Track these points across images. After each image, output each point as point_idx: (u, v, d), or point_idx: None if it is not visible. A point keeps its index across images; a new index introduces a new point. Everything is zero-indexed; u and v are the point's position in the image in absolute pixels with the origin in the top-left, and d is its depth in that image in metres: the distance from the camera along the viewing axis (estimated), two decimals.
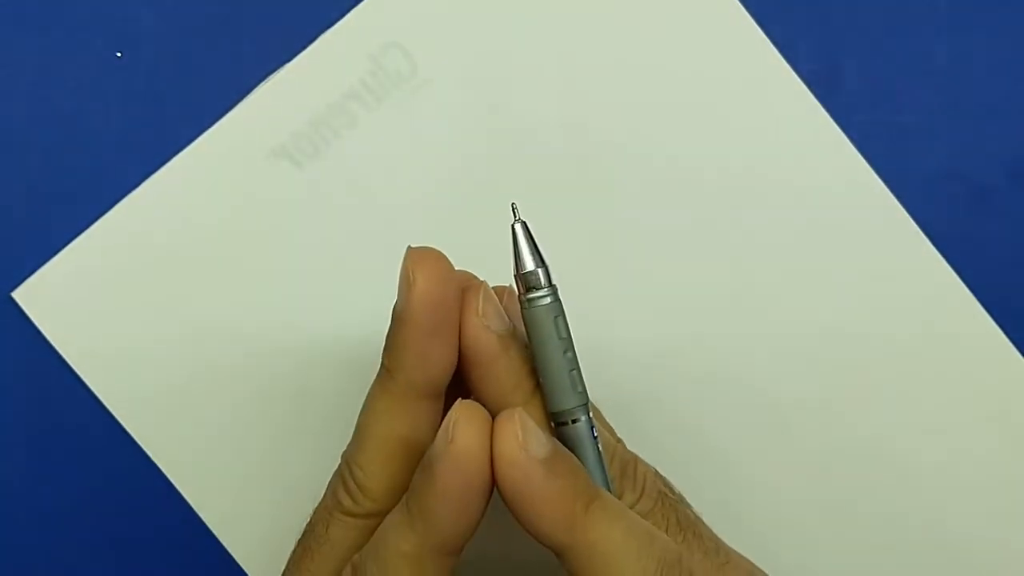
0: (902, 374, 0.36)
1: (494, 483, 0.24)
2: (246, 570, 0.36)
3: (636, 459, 0.28)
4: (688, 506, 0.29)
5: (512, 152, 0.36)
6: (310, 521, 0.28)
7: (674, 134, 0.36)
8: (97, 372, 0.35)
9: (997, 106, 0.36)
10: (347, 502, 0.27)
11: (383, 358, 0.27)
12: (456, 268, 0.26)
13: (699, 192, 0.36)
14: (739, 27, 0.35)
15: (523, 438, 0.24)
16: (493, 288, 0.27)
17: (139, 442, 0.35)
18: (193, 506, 0.36)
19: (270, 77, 0.35)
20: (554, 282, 0.26)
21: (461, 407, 0.24)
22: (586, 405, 0.26)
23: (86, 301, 0.35)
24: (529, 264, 0.26)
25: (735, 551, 0.28)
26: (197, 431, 0.35)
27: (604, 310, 0.36)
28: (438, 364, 0.26)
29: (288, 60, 0.35)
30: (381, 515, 0.26)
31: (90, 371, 0.35)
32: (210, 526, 0.36)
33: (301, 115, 0.35)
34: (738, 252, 0.36)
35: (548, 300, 0.26)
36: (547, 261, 0.26)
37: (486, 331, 0.26)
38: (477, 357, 0.26)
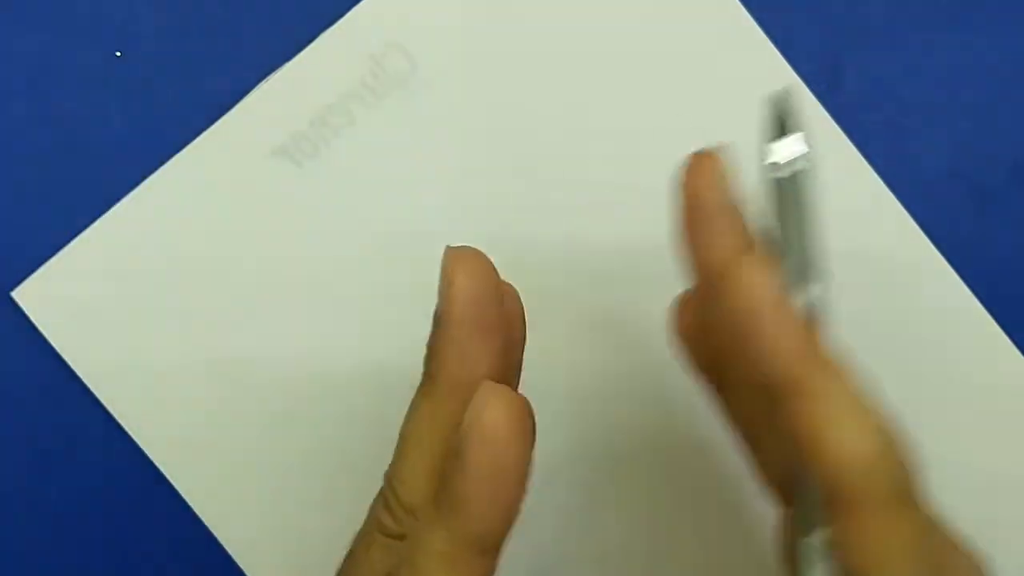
0: (902, 374, 0.36)
1: (529, 471, 0.22)
2: (246, 570, 0.36)
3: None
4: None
5: (512, 152, 0.36)
6: (350, 548, 0.26)
7: (674, 134, 0.36)
8: (97, 372, 0.35)
9: (997, 106, 0.36)
10: (389, 522, 0.25)
11: (425, 363, 0.25)
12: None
13: None
14: (739, 27, 0.35)
15: (768, 275, 0.22)
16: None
17: (139, 442, 0.35)
18: (193, 506, 0.36)
19: (270, 77, 0.35)
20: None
21: (487, 386, 0.23)
22: (824, 282, 0.25)
23: (86, 301, 0.35)
24: (794, 126, 0.25)
25: None
26: (197, 431, 0.35)
27: (601, 310, 0.36)
28: (481, 363, 0.24)
29: (288, 60, 0.35)
30: None
31: (89, 371, 0.35)
32: (210, 526, 0.36)
33: (301, 115, 0.35)
34: None
35: (807, 167, 0.25)
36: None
37: (722, 191, 0.25)
38: (706, 215, 0.24)
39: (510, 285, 0.27)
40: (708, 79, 0.36)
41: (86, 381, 0.35)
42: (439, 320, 0.25)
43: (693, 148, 0.35)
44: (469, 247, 0.25)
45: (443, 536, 0.22)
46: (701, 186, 0.25)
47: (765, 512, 0.36)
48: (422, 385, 0.26)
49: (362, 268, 0.36)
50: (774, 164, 0.25)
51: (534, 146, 0.36)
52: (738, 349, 0.23)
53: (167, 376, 0.35)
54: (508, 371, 0.26)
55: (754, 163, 0.35)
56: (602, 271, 0.36)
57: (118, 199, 0.35)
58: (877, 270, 0.36)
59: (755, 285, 0.22)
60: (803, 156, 0.25)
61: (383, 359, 0.36)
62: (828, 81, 0.36)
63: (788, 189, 0.25)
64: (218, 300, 0.35)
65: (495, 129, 0.36)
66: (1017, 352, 0.36)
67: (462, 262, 0.25)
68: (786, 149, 0.25)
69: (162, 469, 0.35)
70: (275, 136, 0.35)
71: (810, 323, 0.24)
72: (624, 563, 0.36)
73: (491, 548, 0.23)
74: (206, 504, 0.36)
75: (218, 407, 0.35)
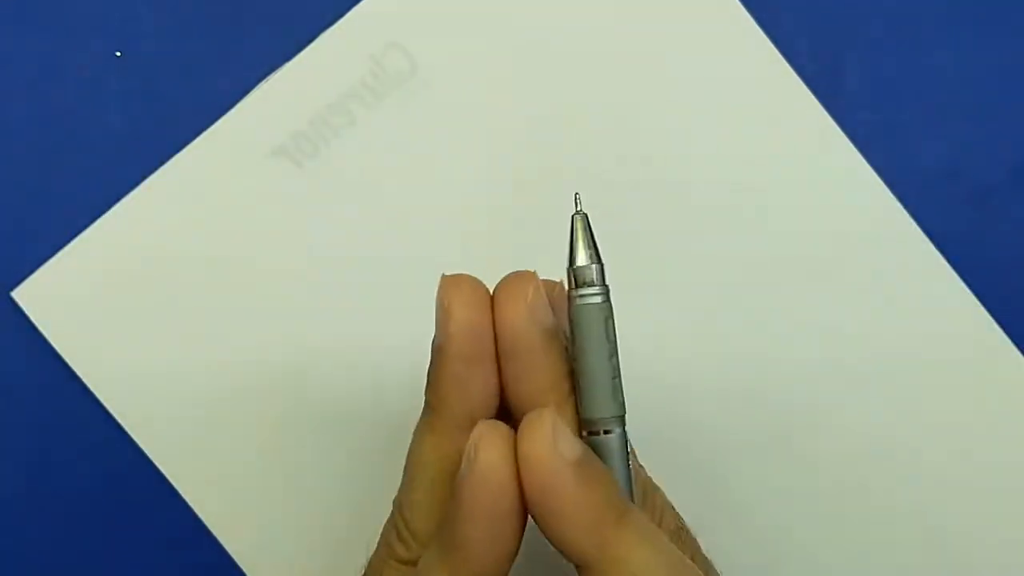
0: (902, 374, 0.36)
1: (525, 509, 0.23)
2: (245, 570, 0.36)
3: (657, 488, 0.27)
4: (699, 547, 0.27)
5: (512, 152, 0.36)
6: (364, 573, 0.27)
7: (674, 134, 0.36)
8: (96, 371, 0.35)
9: (997, 106, 0.36)
10: (400, 549, 0.25)
11: (426, 394, 0.26)
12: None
13: (699, 191, 0.36)
14: (739, 27, 0.35)
15: (553, 438, 0.22)
16: (543, 280, 0.26)
17: (138, 442, 0.35)
18: (193, 506, 0.36)
19: (270, 77, 0.35)
20: (608, 283, 0.24)
21: (483, 426, 0.23)
22: (623, 417, 0.24)
23: (85, 301, 0.35)
24: (583, 258, 0.24)
25: None
26: (196, 431, 0.35)
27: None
28: (482, 395, 0.25)
29: (288, 60, 0.35)
30: None
31: (89, 370, 0.35)
32: (210, 526, 0.36)
33: (301, 115, 0.35)
34: (737, 252, 0.36)
35: (600, 299, 0.24)
36: (603, 260, 0.24)
37: (531, 322, 0.24)
38: (516, 349, 0.24)
39: (557, 282, 0.26)
40: (708, 79, 0.36)
41: (86, 381, 0.35)
42: (437, 352, 0.25)
43: (693, 147, 0.36)
44: (465, 275, 0.25)
45: (445, 574, 0.23)
46: (508, 322, 0.24)
47: (754, 511, 0.36)
48: (424, 416, 0.26)
49: (362, 267, 0.36)
50: (574, 292, 0.24)
51: (534, 146, 0.36)
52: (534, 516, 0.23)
53: (167, 376, 0.35)
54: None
55: (755, 163, 0.35)
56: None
57: (118, 199, 0.35)
58: (877, 270, 0.36)
59: (534, 454, 0.22)
60: (598, 288, 0.24)
61: (383, 358, 0.36)
62: (828, 81, 0.36)
63: (585, 320, 0.24)
64: (218, 300, 0.35)
65: (494, 128, 0.36)
66: (1017, 352, 0.35)
67: (458, 292, 0.24)
68: (581, 277, 0.24)
69: (162, 469, 0.35)
70: (275, 136, 0.35)
71: (601, 480, 0.23)
72: None
73: None
74: (206, 504, 0.36)
75: (218, 407, 0.35)
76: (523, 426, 0.22)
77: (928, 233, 0.35)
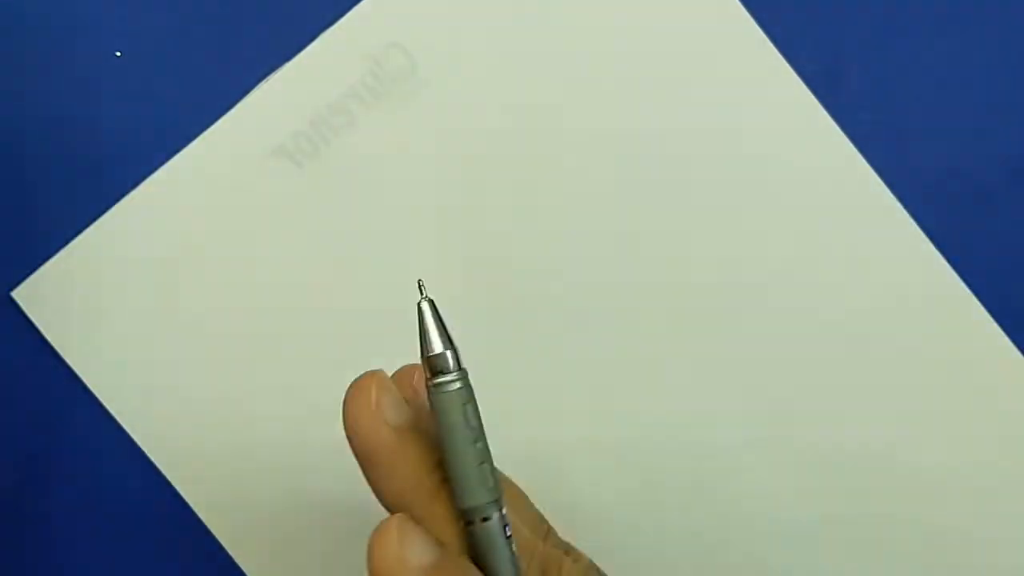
0: (902, 373, 0.36)
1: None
2: (245, 570, 0.36)
3: (562, 557, 0.26)
4: None
5: (511, 152, 0.36)
6: None
7: (674, 134, 0.36)
8: (96, 371, 0.35)
9: (997, 106, 0.36)
10: None
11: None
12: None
13: (699, 191, 0.36)
14: (739, 27, 0.35)
15: (400, 547, 0.22)
16: (405, 367, 0.25)
17: (138, 442, 0.35)
18: (192, 506, 0.36)
19: (270, 77, 0.35)
20: (464, 366, 0.24)
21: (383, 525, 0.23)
22: (498, 500, 0.24)
23: (85, 301, 0.35)
24: (437, 346, 0.24)
25: None
26: (196, 431, 0.35)
27: (601, 311, 0.36)
28: (397, 483, 0.24)
29: (288, 60, 0.35)
30: None
31: (89, 371, 0.35)
32: (209, 526, 0.36)
33: (301, 115, 0.35)
34: (737, 251, 0.36)
35: (457, 385, 0.23)
36: (456, 344, 0.24)
37: (382, 425, 0.24)
38: (372, 455, 0.24)
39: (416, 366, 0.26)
40: (708, 79, 0.36)
41: (86, 381, 0.35)
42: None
43: (693, 147, 0.36)
44: (364, 378, 0.24)
45: None
46: (360, 426, 0.24)
47: (754, 511, 0.36)
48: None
49: (362, 267, 0.36)
50: (431, 382, 0.24)
51: (534, 145, 0.36)
52: None
53: (167, 376, 0.35)
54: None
55: (755, 163, 0.35)
56: (609, 270, 0.36)
57: (118, 199, 0.35)
58: (876, 270, 0.36)
59: (386, 573, 0.22)
60: (456, 375, 0.24)
61: (384, 358, 0.35)
62: (828, 81, 0.36)
63: (446, 407, 0.23)
64: (218, 299, 0.35)
65: (494, 128, 0.36)
66: (1017, 352, 0.35)
67: (351, 402, 0.24)
68: (435, 366, 0.24)
69: (162, 469, 0.35)
70: (275, 136, 0.35)
71: None
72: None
73: None
74: (206, 504, 0.36)
75: (218, 407, 0.35)
76: (372, 538, 0.22)
77: (928, 233, 0.35)
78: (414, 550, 0.22)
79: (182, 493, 0.36)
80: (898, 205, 0.35)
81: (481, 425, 0.24)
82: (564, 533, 0.27)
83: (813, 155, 0.36)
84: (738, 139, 0.36)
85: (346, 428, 0.24)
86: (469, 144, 0.36)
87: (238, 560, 0.36)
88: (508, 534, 0.24)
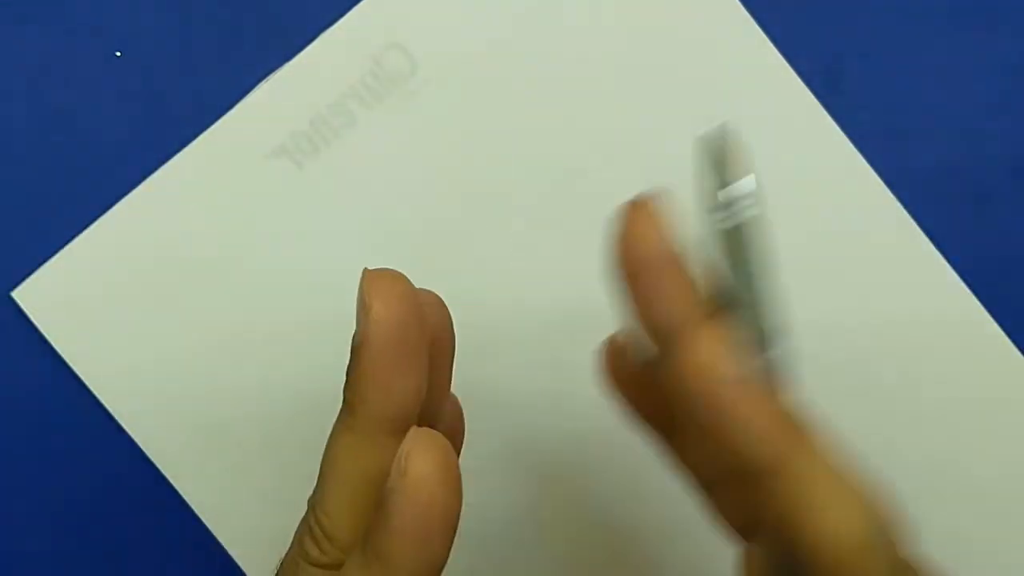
0: (901, 374, 0.36)
1: (456, 520, 0.22)
2: (245, 570, 0.36)
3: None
4: None
5: (512, 152, 0.36)
6: (277, 572, 0.26)
7: (673, 134, 0.36)
8: (96, 372, 0.35)
9: (997, 106, 0.36)
10: (314, 552, 0.25)
11: (344, 393, 0.25)
12: (419, 288, 0.24)
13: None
14: (739, 27, 0.35)
15: (726, 354, 0.21)
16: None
17: (138, 442, 0.35)
18: (193, 506, 0.36)
19: (270, 77, 0.35)
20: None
21: (415, 435, 0.22)
22: (782, 330, 0.23)
23: (86, 301, 0.35)
24: (740, 171, 0.23)
25: None
26: (196, 431, 0.35)
27: (601, 311, 0.36)
28: (404, 396, 0.23)
29: (288, 60, 0.35)
30: None
31: (89, 371, 0.35)
32: (210, 526, 0.36)
33: (301, 115, 0.35)
34: None
35: (760, 212, 0.23)
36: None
37: (666, 239, 0.23)
38: (652, 268, 0.23)
39: (432, 293, 0.26)
40: (708, 79, 0.36)
41: (86, 381, 0.35)
42: (356, 350, 0.24)
43: (692, 148, 0.35)
44: (387, 270, 0.24)
45: None
46: (642, 238, 0.23)
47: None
48: (342, 414, 0.25)
49: (362, 267, 0.36)
50: (720, 211, 0.23)
51: (534, 145, 0.36)
52: (699, 425, 0.22)
53: (167, 376, 0.35)
54: (436, 389, 0.25)
55: (754, 163, 0.35)
56: (600, 266, 0.36)
57: (118, 199, 0.35)
58: (876, 271, 0.36)
59: (712, 363, 0.21)
60: (751, 201, 0.23)
61: None
62: (828, 81, 0.36)
63: (737, 239, 0.23)
64: (217, 300, 0.35)
65: (495, 129, 0.36)
66: (1017, 352, 0.36)
67: (379, 287, 0.24)
68: (732, 194, 0.23)
69: (162, 469, 0.35)
70: (275, 136, 0.35)
71: (776, 393, 0.22)
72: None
73: None
74: (206, 504, 0.36)
75: (218, 407, 0.35)
76: (693, 340, 0.22)
77: (928, 233, 0.35)
78: (742, 354, 0.22)
79: (182, 493, 0.36)
80: (898, 205, 0.35)
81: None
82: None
83: (813, 155, 0.36)
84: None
85: (627, 239, 0.23)
86: (469, 144, 0.36)
87: (238, 560, 0.36)
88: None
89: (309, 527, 0.25)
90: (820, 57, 0.36)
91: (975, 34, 0.36)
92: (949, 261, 0.35)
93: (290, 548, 0.26)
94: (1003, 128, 0.36)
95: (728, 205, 0.23)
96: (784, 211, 0.36)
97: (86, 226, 0.35)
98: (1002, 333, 0.35)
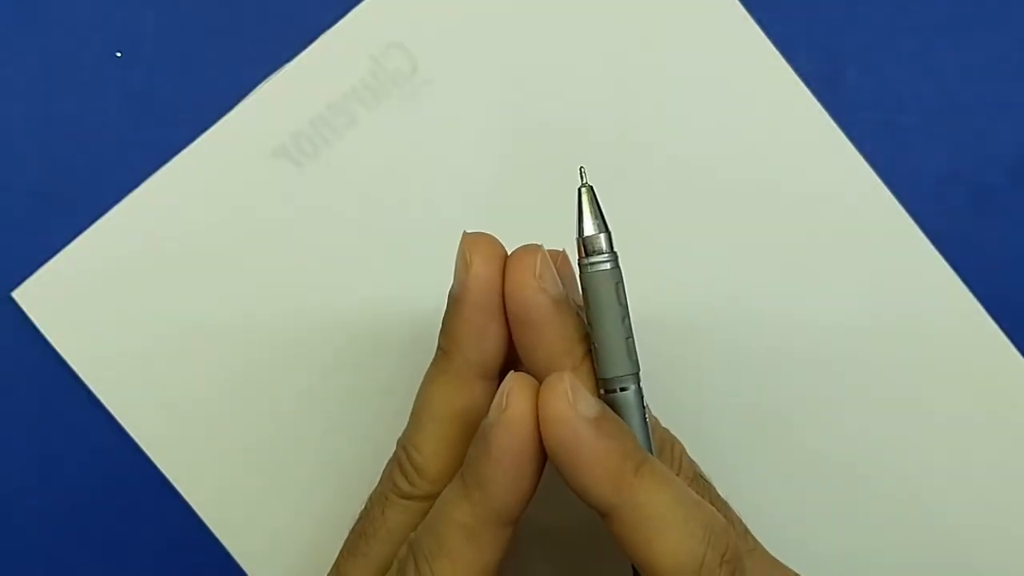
0: (901, 374, 0.36)
1: (545, 458, 0.24)
2: (246, 570, 0.36)
3: (674, 438, 0.29)
4: (717, 492, 0.29)
5: (512, 152, 0.36)
6: (365, 507, 0.28)
7: (674, 134, 0.36)
8: (97, 372, 0.35)
9: (997, 106, 0.36)
10: (404, 484, 0.27)
11: (440, 340, 0.27)
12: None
13: (699, 192, 0.36)
14: (739, 27, 0.35)
15: (573, 398, 0.24)
16: (549, 251, 0.27)
17: (139, 442, 0.35)
18: (193, 506, 0.36)
19: (270, 77, 0.35)
20: (616, 249, 0.26)
21: (514, 377, 0.24)
22: (638, 374, 0.26)
23: (86, 301, 0.35)
24: (591, 228, 0.26)
25: (757, 539, 0.29)
26: (197, 431, 0.35)
27: None
28: (494, 343, 0.26)
29: (288, 60, 0.35)
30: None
31: (90, 371, 0.35)
32: (210, 526, 0.36)
33: (301, 115, 0.35)
34: (737, 252, 0.36)
35: (609, 265, 0.26)
36: (610, 228, 0.26)
37: (541, 293, 0.26)
38: (530, 319, 0.26)
39: (560, 252, 0.28)
40: (708, 79, 0.36)
41: (86, 381, 0.35)
42: (455, 301, 0.26)
43: (693, 148, 0.36)
44: (485, 233, 0.27)
45: (466, 509, 0.25)
46: (520, 291, 0.26)
47: (754, 509, 0.36)
48: (437, 360, 0.28)
49: (362, 268, 0.36)
50: (585, 261, 0.26)
51: (534, 145, 0.36)
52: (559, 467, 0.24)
53: (168, 376, 0.35)
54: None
55: (754, 163, 0.35)
56: None
57: (118, 199, 0.35)
58: (876, 270, 0.36)
59: (556, 412, 0.24)
60: (609, 255, 0.26)
61: (385, 359, 0.36)
62: (828, 81, 0.36)
63: (596, 285, 0.26)
64: (218, 300, 0.35)
65: (495, 128, 0.36)
66: (1017, 352, 0.36)
67: (479, 247, 0.26)
68: (590, 246, 0.26)
69: (162, 469, 0.35)
70: (275, 136, 0.35)
71: (619, 434, 0.24)
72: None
73: (510, 521, 0.25)
74: (206, 504, 0.36)
75: (218, 407, 0.35)
76: (543, 388, 0.24)
77: (928, 233, 0.35)
78: (582, 401, 0.24)
79: (182, 493, 0.36)
80: (898, 205, 0.35)
81: (627, 305, 0.26)
82: None
83: (813, 155, 0.36)
84: (738, 139, 0.36)
85: (507, 292, 0.26)
86: (470, 144, 0.36)
87: (238, 560, 0.36)
88: (645, 404, 0.26)
89: (399, 462, 0.28)
90: (820, 57, 0.36)
91: (975, 34, 0.36)
92: (949, 261, 0.35)
93: (378, 485, 0.28)
94: (1003, 128, 0.36)
95: (588, 255, 0.26)
96: (784, 211, 0.36)
97: (86, 226, 0.35)
98: (1002, 333, 0.35)
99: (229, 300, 0.35)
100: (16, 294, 0.35)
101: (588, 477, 0.24)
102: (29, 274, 0.35)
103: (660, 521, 0.24)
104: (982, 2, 0.36)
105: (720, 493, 0.29)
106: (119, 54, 0.36)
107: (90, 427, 0.35)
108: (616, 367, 0.26)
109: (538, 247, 0.26)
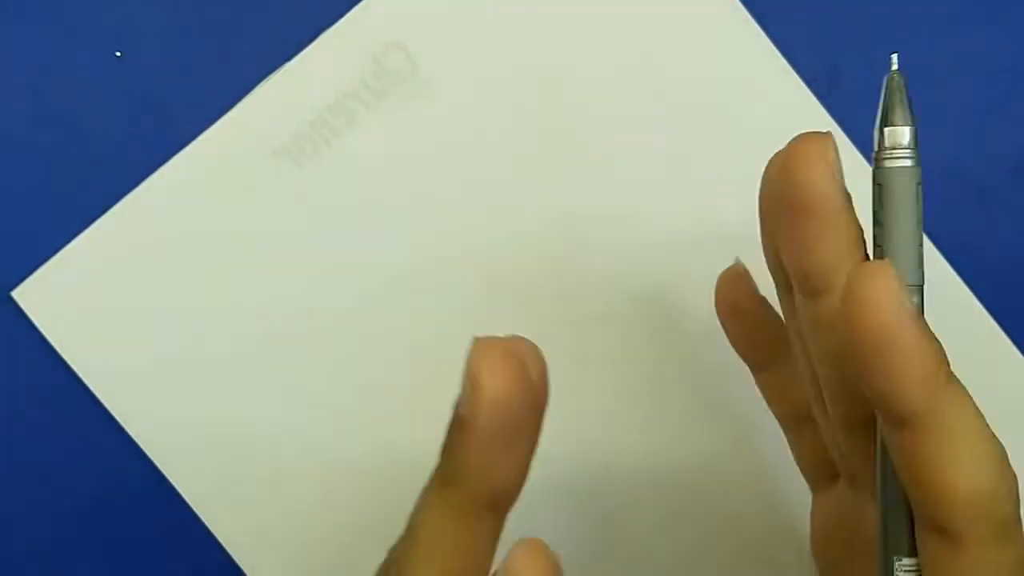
0: None
1: (536, 431, 0.21)
2: (246, 570, 0.36)
3: None
4: None
5: (512, 152, 0.36)
6: None
7: (674, 134, 0.36)
8: (97, 372, 0.35)
9: (997, 106, 0.36)
10: None
11: (442, 462, 0.22)
12: (524, 340, 0.22)
13: (699, 192, 0.36)
14: (739, 27, 0.35)
15: (899, 289, 0.21)
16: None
17: (139, 442, 0.35)
18: (193, 506, 0.36)
19: (270, 77, 0.35)
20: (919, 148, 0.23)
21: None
22: (922, 287, 0.23)
23: (86, 301, 0.35)
24: (900, 118, 0.23)
25: None
26: (197, 431, 0.35)
27: (602, 311, 0.36)
28: (508, 476, 0.22)
29: (288, 60, 0.35)
30: None
31: (90, 371, 0.35)
32: (210, 526, 0.36)
33: (301, 115, 0.35)
34: (737, 252, 0.36)
35: (912, 163, 0.23)
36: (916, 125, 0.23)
37: (834, 179, 0.23)
38: (816, 209, 0.23)
39: (534, 348, 0.23)
40: (708, 79, 0.36)
41: (86, 381, 0.35)
42: (462, 423, 0.22)
43: (693, 148, 0.36)
44: (498, 340, 0.22)
45: (443, 495, 0.22)
46: (809, 177, 0.23)
47: (753, 510, 0.36)
48: (439, 485, 0.23)
49: (363, 268, 0.36)
50: (880, 155, 0.23)
51: (535, 146, 0.36)
52: (837, 367, 0.22)
53: (167, 376, 0.35)
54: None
55: (755, 163, 0.35)
56: (609, 270, 0.36)
57: (118, 199, 0.35)
58: None
59: (885, 300, 0.21)
60: (906, 152, 0.23)
61: (385, 360, 0.36)
62: (828, 81, 0.36)
63: (889, 185, 0.23)
64: (218, 300, 0.35)
65: (496, 128, 0.36)
66: (1017, 352, 0.36)
67: (490, 360, 0.21)
68: (889, 140, 0.23)
69: (162, 469, 0.35)
70: (275, 136, 0.35)
71: (936, 340, 0.22)
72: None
73: (495, 505, 0.22)
74: (206, 504, 0.36)
75: (219, 407, 0.35)
76: (860, 275, 0.21)
77: (928, 233, 0.35)
78: (905, 295, 0.21)
79: (182, 493, 0.36)
80: None
81: (922, 212, 0.23)
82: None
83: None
84: (738, 139, 0.36)
85: (793, 174, 0.23)
86: (470, 144, 0.36)
87: (238, 560, 0.36)
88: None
89: None
90: (820, 57, 0.36)
91: (975, 34, 0.36)
92: (949, 261, 0.35)
93: None
94: (1003, 128, 0.36)
95: (885, 149, 0.23)
96: None
97: (86, 226, 0.35)
98: (1002, 333, 0.35)
99: (229, 299, 0.35)
100: (16, 294, 0.35)
101: (902, 375, 0.21)
102: (29, 274, 0.35)
103: (965, 439, 0.22)
104: (982, 2, 0.36)
105: None
106: (119, 54, 0.36)
107: (90, 427, 0.35)
108: (906, 274, 0.23)
109: (829, 134, 0.23)
